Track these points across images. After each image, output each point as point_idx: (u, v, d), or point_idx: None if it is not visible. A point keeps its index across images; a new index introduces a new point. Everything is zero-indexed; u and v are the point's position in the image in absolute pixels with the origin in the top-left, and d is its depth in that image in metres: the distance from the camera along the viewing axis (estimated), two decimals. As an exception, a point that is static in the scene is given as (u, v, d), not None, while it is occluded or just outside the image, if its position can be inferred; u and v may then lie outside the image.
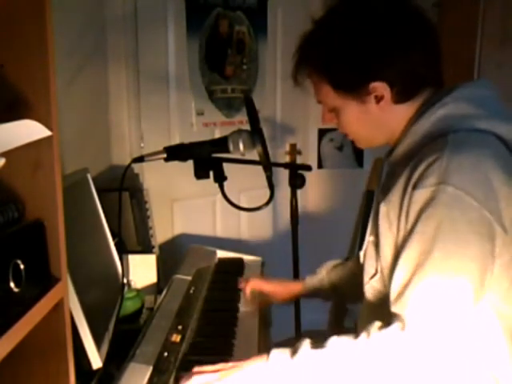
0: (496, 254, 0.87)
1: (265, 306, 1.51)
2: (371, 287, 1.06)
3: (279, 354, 0.94)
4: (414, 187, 0.89)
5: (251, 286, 1.47)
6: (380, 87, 0.97)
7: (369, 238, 1.10)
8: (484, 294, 0.89)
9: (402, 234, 0.93)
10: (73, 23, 1.61)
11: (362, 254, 1.18)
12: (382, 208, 0.97)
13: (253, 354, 1.21)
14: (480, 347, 0.93)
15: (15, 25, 0.70)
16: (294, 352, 0.93)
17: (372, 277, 1.05)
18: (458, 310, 0.86)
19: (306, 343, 0.93)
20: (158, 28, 2.24)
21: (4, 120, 0.64)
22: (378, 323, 0.91)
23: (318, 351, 0.91)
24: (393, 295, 0.91)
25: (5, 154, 0.63)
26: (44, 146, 0.73)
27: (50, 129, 0.72)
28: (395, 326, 0.87)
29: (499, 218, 0.86)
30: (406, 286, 0.88)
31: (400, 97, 0.99)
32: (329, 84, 1.00)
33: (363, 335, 0.90)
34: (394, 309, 0.90)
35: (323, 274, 1.42)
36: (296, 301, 1.80)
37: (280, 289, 1.46)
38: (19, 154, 0.71)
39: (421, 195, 0.88)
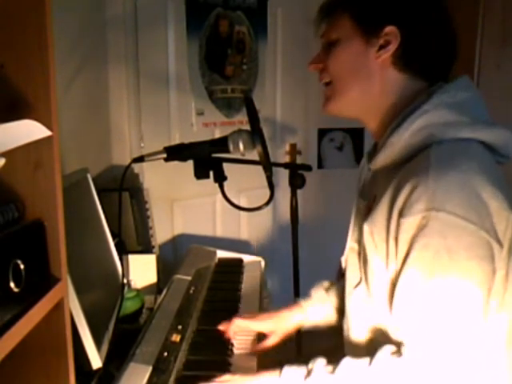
0: (496, 270, 0.85)
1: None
2: (355, 296, 1.03)
3: (292, 373, 0.93)
4: (401, 214, 0.85)
5: (235, 327, 1.25)
6: (392, 33, 0.95)
7: (350, 245, 1.08)
8: (489, 313, 0.87)
9: (392, 260, 0.90)
10: (73, 23, 1.61)
11: (343, 259, 1.14)
12: (366, 227, 0.95)
13: (252, 354, 1.22)
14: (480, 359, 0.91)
15: (15, 25, 0.70)
16: (307, 374, 0.91)
17: (356, 286, 1.02)
18: (468, 335, 0.83)
19: (319, 365, 0.92)
20: (158, 28, 2.24)
21: (4, 120, 0.64)
22: (389, 348, 0.88)
23: (330, 378, 0.89)
24: (397, 325, 0.89)
25: (5, 154, 0.63)
26: (44, 145, 0.73)
27: (50, 129, 0.72)
28: (407, 356, 0.85)
29: (495, 234, 0.83)
30: (409, 317, 0.86)
31: (400, 60, 0.97)
32: (351, 15, 0.99)
33: (376, 362, 0.87)
34: (399, 336, 0.88)
35: (322, 294, 1.28)
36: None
37: (272, 327, 1.24)
38: (19, 154, 0.71)
39: (410, 224, 0.84)
